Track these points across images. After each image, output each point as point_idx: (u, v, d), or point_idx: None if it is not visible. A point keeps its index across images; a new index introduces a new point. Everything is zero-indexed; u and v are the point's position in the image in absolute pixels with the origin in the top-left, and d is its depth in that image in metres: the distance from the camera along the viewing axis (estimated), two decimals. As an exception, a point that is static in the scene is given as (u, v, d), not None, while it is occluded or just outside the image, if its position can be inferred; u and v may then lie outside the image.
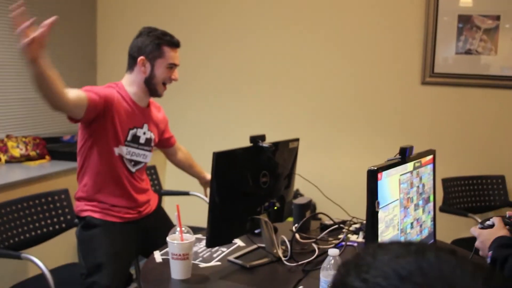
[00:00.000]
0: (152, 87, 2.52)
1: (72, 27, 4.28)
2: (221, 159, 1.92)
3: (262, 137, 2.13)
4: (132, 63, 2.51)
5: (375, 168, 1.64)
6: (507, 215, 1.81)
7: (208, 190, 2.91)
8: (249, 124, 4.23)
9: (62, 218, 2.82)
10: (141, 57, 2.46)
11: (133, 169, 2.54)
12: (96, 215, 2.48)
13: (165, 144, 2.86)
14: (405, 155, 1.84)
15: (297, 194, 3.75)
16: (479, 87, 3.82)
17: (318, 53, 4.09)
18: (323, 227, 2.51)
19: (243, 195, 2.08)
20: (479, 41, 3.78)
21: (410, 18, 3.88)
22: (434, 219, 2.18)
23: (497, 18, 3.72)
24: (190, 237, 1.91)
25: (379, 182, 1.65)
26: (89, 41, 4.52)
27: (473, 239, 3.39)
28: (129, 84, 2.52)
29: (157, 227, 2.64)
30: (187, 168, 3.01)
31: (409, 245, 0.68)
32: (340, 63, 4.05)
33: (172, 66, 2.51)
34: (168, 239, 1.89)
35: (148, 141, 2.59)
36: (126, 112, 2.47)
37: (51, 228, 2.79)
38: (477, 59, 3.80)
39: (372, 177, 1.62)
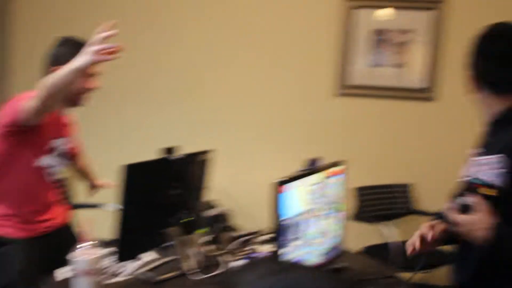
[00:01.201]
0: (70, 97, 2.44)
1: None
2: (132, 171, 1.90)
3: (173, 149, 2.12)
4: (48, 73, 2.43)
5: (280, 180, 1.67)
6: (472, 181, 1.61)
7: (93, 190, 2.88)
8: (161, 136, 4.18)
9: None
10: (56, 67, 2.38)
11: (50, 180, 2.46)
12: (5, 231, 2.38)
13: (72, 153, 2.77)
14: (312, 167, 1.89)
15: (211, 206, 3.74)
16: (390, 99, 3.97)
17: (231, 64, 4.12)
18: (235, 238, 2.52)
19: (154, 208, 2.06)
20: (390, 54, 3.93)
21: (325, 30, 3.98)
22: (343, 229, 2.23)
23: (409, 32, 3.89)
24: (96, 252, 1.87)
25: (284, 193, 1.68)
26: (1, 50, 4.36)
27: (383, 246, 3.49)
28: None
29: (67, 242, 2.56)
30: (85, 176, 2.93)
31: (276, 264, 0.70)
32: (254, 74, 4.10)
33: (90, 75, 2.43)
34: (71, 255, 1.84)
35: (65, 152, 2.51)
36: (47, 123, 2.39)
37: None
38: (389, 72, 3.95)
39: (276, 189, 1.65)
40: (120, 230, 1.89)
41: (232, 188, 3.41)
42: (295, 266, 0.69)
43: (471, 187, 1.59)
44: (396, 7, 3.89)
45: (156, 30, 4.20)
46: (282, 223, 1.66)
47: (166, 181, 2.10)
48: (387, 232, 3.45)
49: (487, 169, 1.55)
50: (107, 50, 1.92)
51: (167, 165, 2.10)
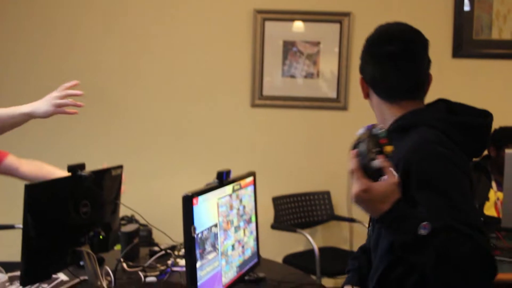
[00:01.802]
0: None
1: None
2: (34, 191, 1.82)
3: (82, 166, 2.06)
4: None
5: (190, 194, 1.66)
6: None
7: None
8: (72, 153, 4.05)
9: None
10: None
11: None
12: None
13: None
14: (222, 179, 1.88)
15: (126, 221, 3.67)
16: (303, 108, 4.05)
17: (145, 75, 4.07)
18: (152, 253, 2.48)
19: (62, 227, 1.99)
20: (302, 65, 4.01)
21: (239, 42, 4.01)
22: (257, 239, 2.24)
23: (318, 44, 3.98)
24: (0, 277, 1.78)
25: (195, 207, 1.66)
26: None
27: (304, 253, 3.51)
28: None
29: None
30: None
31: None
32: (169, 85, 4.07)
33: None
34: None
35: None
36: None
37: None
38: (301, 82, 4.02)
39: (187, 202, 1.63)
40: (23, 252, 1.80)
41: (149, 202, 3.35)
42: None
43: (377, 141, 1.37)
44: (305, 20, 3.98)
45: (58, 43, 4.09)
46: (193, 235, 1.64)
47: (75, 199, 2.03)
48: (307, 240, 3.49)
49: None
50: (68, 105, 1.90)
51: (75, 182, 2.03)
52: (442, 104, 1.56)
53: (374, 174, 1.34)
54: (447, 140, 1.41)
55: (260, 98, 4.03)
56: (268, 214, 3.74)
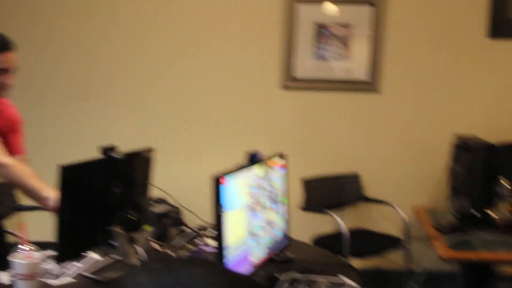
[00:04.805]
0: None
1: None
2: (69, 173, 1.86)
3: (113, 148, 2.09)
4: None
5: (220, 174, 1.67)
6: None
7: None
8: (101, 134, 4.09)
9: None
10: None
11: None
12: None
13: None
14: (252, 160, 1.90)
15: (157, 202, 3.70)
16: (334, 91, 4.03)
17: (174, 59, 4.07)
18: (182, 234, 2.51)
19: (95, 207, 2.03)
20: (334, 47, 3.98)
21: (269, 25, 3.99)
22: (287, 220, 2.25)
23: (349, 26, 3.94)
24: (36, 255, 1.83)
25: (225, 187, 1.68)
26: None
27: (334, 235, 3.54)
28: None
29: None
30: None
31: (169, 261, 0.70)
32: (199, 68, 4.07)
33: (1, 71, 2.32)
34: (11, 258, 1.80)
35: None
36: None
37: None
38: (333, 65, 4.00)
39: (216, 183, 1.65)
40: (58, 232, 1.84)
41: (180, 183, 3.39)
42: (190, 262, 0.69)
43: None
44: (338, 2, 3.94)
45: (94, 28, 4.13)
46: (221, 214, 1.65)
47: (107, 180, 2.06)
48: (337, 221, 3.49)
49: None
50: None
51: (107, 164, 2.07)
52: None
53: None
54: None
55: (291, 80, 4.01)
56: (298, 196, 3.74)
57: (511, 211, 2.86)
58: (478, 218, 2.65)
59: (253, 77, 4.06)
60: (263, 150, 2.22)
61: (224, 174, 1.69)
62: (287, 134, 4.07)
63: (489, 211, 2.85)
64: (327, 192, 3.89)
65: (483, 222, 2.72)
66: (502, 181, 2.87)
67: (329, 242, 3.60)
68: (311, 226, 3.83)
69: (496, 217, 2.81)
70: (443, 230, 2.70)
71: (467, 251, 2.49)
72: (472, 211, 2.62)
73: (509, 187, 2.83)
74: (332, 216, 3.55)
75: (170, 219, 2.83)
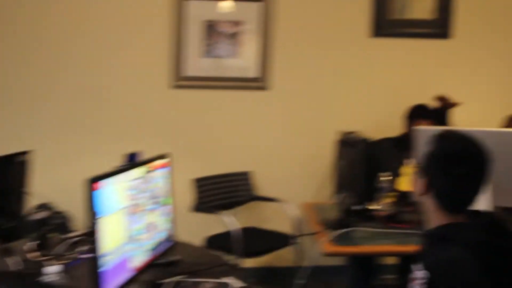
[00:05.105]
0: None
1: None
2: None
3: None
4: None
5: (94, 177, 1.61)
6: None
7: None
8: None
9: None
10: None
11: None
12: None
13: None
14: (131, 161, 1.84)
15: (37, 209, 3.53)
16: (225, 89, 4.02)
17: (56, 56, 3.88)
18: (64, 241, 2.40)
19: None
20: (223, 45, 3.97)
21: (158, 22, 3.91)
22: (172, 222, 2.21)
23: (239, 24, 3.95)
24: None
25: (100, 190, 1.61)
26: None
27: (226, 235, 3.53)
28: None
29: None
30: None
31: None
32: (83, 67, 3.91)
33: None
34: None
35: None
36: None
37: None
38: (222, 62, 3.99)
39: (91, 186, 1.58)
40: None
41: (66, 187, 3.24)
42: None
43: None
44: (228, -1, 3.94)
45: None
46: (97, 220, 1.59)
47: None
48: (228, 221, 3.49)
49: (416, 283, 1.57)
50: None
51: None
52: (485, 219, 1.64)
53: None
54: (478, 264, 1.49)
55: (181, 79, 3.96)
56: (189, 196, 3.71)
57: (392, 204, 2.99)
58: (361, 212, 2.73)
59: (141, 76, 3.96)
60: (153, 151, 2.17)
61: (99, 177, 1.62)
62: (178, 134, 4.02)
63: (371, 205, 2.96)
64: (219, 192, 3.88)
65: (365, 216, 2.81)
66: (382, 175, 2.99)
67: (221, 242, 3.58)
68: (206, 227, 3.80)
69: (378, 210, 2.92)
70: (328, 225, 2.76)
71: (349, 245, 2.56)
72: (355, 205, 2.70)
73: (389, 181, 2.95)
74: (223, 216, 3.54)
75: (54, 226, 2.71)
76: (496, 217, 1.69)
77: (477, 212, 1.69)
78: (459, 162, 1.60)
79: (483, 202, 1.91)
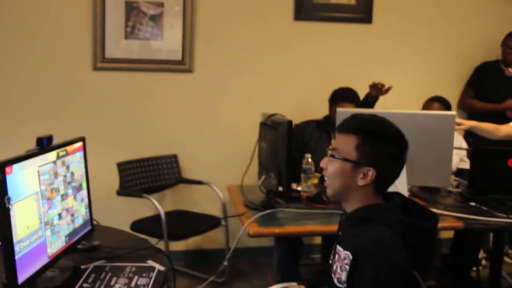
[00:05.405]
0: None
1: None
2: None
3: None
4: None
5: (5, 161, 1.54)
6: None
7: None
8: None
9: None
10: None
11: None
12: None
13: None
14: (43, 145, 1.78)
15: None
16: (148, 71, 3.96)
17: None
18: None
19: None
20: (146, 26, 3.90)
21: (78, 4, 3.79)
22: (89, 206, 2.16)
23: (161, 5, 3.88)
24: None
25: (9, 176, 1.55)
26: None
27: (153, 218, 3.48)
28: None
29: None
30: None
31: None
32: (2, 47, 3.76)
33: None
34: None
35: None
36: None
37: None
38: (145, 44, 3.92)
39: (2, 170, 1.52)
40: None
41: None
42: None
43: None
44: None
45: None
46: (8, 207, 1.53)
47: None
48: (155, 204, 3.45)
49: (344, 263, 1.62)
50: None
51: None
52: (398, 200, 1.69)
53: None
54: (402, 244, 1.57)
55: (103, 61, 3.86)
56: (114, 180, 3.64)
57: (316, 185, 3.04)
58: (285, 193, 2.75)
59: (62, 58, 3.83)
60: (75, 134, 2.10)
61: (8, 162, 1.56)
62: (102, 117, 3.93)
63: (295, 186, 3.00)
64: (144, 175, 3.84)
65: (290, 197, 2.84)
66: (307, 156, 3.03)
67: (147, 226, 3.55)
68: (133, 211, 3.75)
69: (302, 191, 2.97)
70: (253, 207, 2.78)
71: (273, 226, 2.58)
72: (279, 187, 2.72)
73: (313, 162, 2.99)
74: (148, 199, 3.50)
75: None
76: (404, 197, 1.75)
77: (389, 193, 1.74)
78: (398, 143, 1.68)
79: (399, 181, 1.98)
